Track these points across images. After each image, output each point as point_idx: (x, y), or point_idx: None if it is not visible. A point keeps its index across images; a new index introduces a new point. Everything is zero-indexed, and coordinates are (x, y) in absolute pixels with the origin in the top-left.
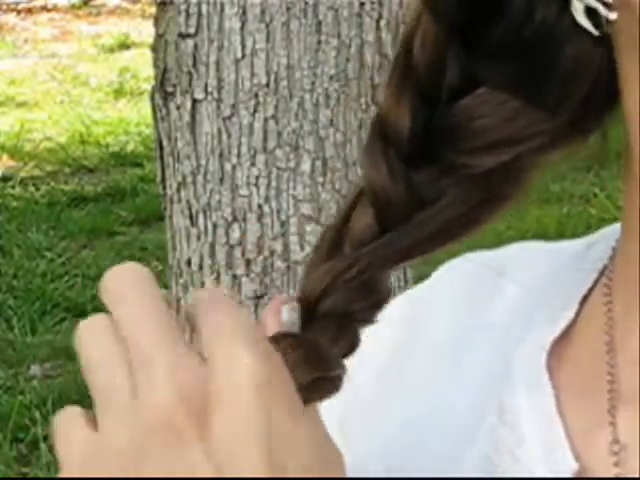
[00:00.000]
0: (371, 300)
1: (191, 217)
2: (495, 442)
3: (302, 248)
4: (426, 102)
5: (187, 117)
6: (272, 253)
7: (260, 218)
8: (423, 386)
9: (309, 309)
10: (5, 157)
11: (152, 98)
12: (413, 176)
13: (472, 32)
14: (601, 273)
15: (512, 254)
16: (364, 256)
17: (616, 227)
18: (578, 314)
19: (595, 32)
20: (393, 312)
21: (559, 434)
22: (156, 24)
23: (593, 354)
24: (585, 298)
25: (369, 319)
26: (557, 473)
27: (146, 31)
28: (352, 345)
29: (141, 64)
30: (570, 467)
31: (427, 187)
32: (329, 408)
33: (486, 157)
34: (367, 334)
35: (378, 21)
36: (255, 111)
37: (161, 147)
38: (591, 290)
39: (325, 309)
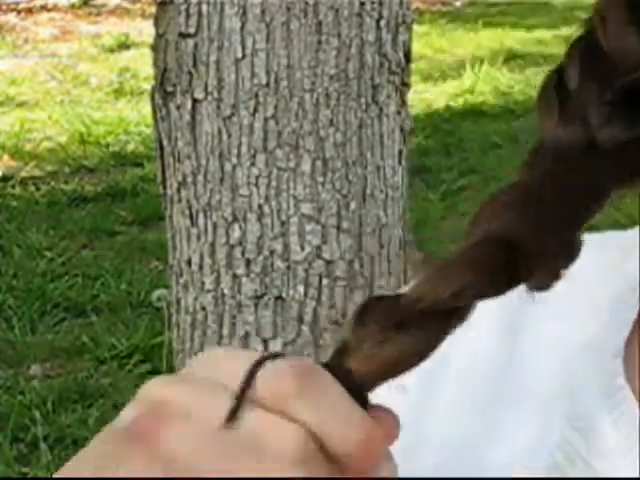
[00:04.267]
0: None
1: (191, 217)
2: (566, 450)
3: (302, 248)
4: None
5: (187, 117)
6: (272, 253)
7: (260, 218)
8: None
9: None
10: (5, 157)
11: (152, 98)
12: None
13: None
14: None
15: None
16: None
17: None
18: None
19: None
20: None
21: None
22: (156, 24)
23: None
24: None
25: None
26: None
27: (146, 31)
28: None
29: (141, 64)
30: None
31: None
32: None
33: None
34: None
35: (378, 21)
36: (255, 111)
37: (161, 147)
38: None
39: (492, 233)
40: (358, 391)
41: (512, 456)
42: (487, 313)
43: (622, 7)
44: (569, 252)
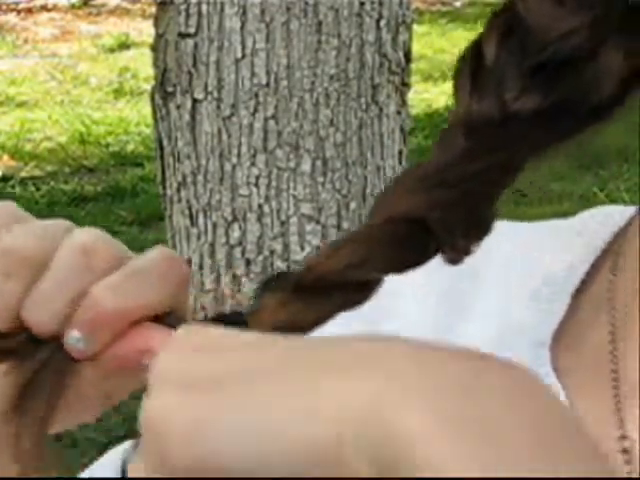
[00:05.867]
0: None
1: (191, 217)
2: None
3: (302, 248)
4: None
5: (187, 117)
6: (272, 253)
7: (260, 218)
8: None
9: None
10: (5, 157)
11: (152, 98)
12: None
13: None
14: (591, 263)
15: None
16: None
17: (607, 212)
18: (573, 305)
19: None
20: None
21: None
22: (156, 24)
23: (595, 347)
24: (580, 287)
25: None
26: None
27: (146, 31)
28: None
29: (141, 64)
30: None
31: (516, 101)
32: None
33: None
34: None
35: (378, 21)
36: (255, 111)
37: (161, 147)
38: (587, 279)
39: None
40: None
41: None
42: (421, 287)
43: None
44: (478, 229)
